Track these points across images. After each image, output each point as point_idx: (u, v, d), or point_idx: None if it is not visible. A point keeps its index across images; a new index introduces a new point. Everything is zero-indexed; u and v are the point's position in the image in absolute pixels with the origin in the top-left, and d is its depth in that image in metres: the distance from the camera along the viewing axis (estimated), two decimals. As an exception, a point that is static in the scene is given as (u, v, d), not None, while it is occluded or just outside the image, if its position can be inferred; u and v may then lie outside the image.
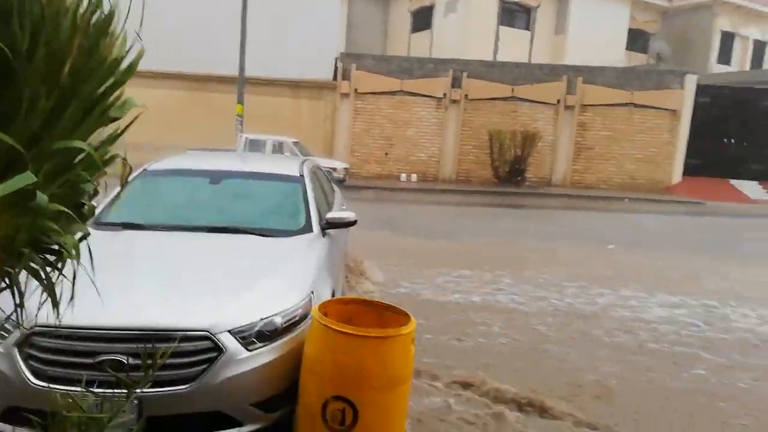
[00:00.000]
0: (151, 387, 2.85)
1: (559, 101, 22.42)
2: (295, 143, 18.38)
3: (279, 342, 3.22)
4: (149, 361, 2.46)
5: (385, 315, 3.40)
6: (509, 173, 21.60)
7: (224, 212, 4.57)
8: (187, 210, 4.52)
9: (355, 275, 6.90)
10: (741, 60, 31.58)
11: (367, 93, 21.76)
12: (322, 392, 3.04)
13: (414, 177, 21.85)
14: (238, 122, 19.14)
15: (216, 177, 4.93)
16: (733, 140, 23.72)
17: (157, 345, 2.74)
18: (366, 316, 3.41)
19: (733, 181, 23.35)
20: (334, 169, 17.58)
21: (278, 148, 17.79)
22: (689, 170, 23.24)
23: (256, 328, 3.18)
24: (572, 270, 8.50)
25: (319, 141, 21.53)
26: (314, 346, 3.09)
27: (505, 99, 22.49)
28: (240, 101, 18.67)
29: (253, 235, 4.24)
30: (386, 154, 22.20)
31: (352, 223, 4.73)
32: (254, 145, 18.21)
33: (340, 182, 15.96)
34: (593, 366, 4.95)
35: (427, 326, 5.51)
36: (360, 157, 22.24)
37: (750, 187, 22.82)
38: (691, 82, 22.47)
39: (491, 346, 5.30)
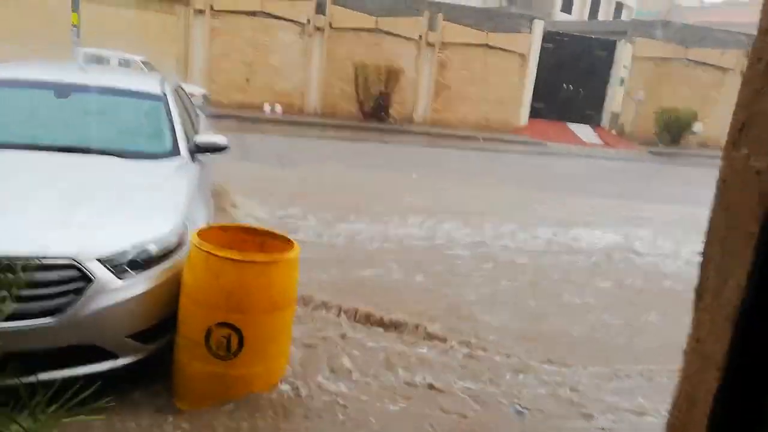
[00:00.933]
0: (10, 320, 2.48)
1: (420, 37, 21.46)
2: (145, 63, 16.33)
3: (154, 271, 2.95)
4: (4, 292, 2.11)
5: (267, 242, 3.19)
6: (374, 109, 20.60)
7: (78, 131, 4.04)
8: (33, 127, 3.95)
9: (226, 206, 6.15)
10: (581, 10, 29.47)
11: (225, 11, 19.66)
12: (206, 320, 2.85)
13: (279, 108, 20.24)
14: (74, 34, 16.39)
15: (63, 90, 4.27)
16: (571, 86, 23.97)
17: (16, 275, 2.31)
18: (246, 244, 3.18)
19: (570, 125, 23.63)
20: (192, 95, 14.75)
21: (125, 68, 15.92)
22: (534, 113, 23.42)
23: (129, 256, 2.89)
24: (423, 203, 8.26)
25: (171, 62, 19.07)
26: (195, 273, 2.87)
27: (369, 30, 21.03)
28: (75, 9, 16.00)
29: (114, 157, 3.79)
30: (247, 80, 20.29)
31: (224, 148, 4.31)
32: (95, 63, 15.72)
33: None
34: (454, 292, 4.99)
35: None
36: (219, 83, 20.11)
37: (584, 131, 23.42)
38: (538, 27, 22.35)
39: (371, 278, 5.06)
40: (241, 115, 18.32)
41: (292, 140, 15.32)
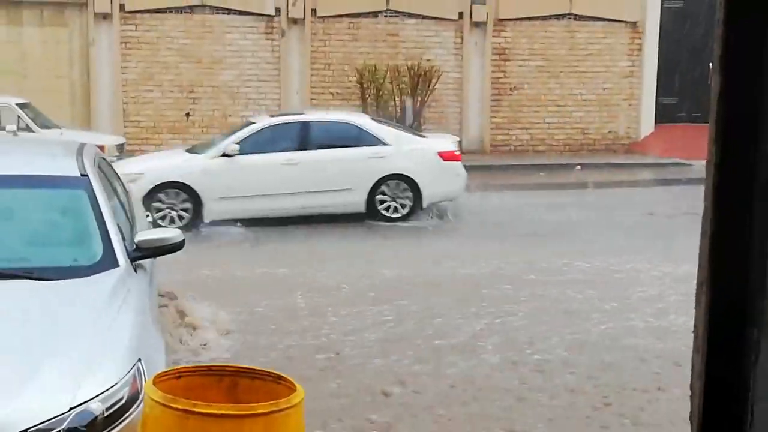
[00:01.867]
0: None
1: (461, 15, 21.65)
2: (23, 106, 16.76)
3: None
4: None
5: (243, 385, 3.51)
6: None
7: None
8: None
9: (176, 324, 6.63)
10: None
11: (142, 11, 20.26)
12: None
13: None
14: None
15: None
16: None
17: None
18: (211, 393, 3.45)
19: None
20: (101, 149, 15.51)
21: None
22: (663, 114, 22.93)
23: (66, 423, 3.22)
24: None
25: (65, 100, 19.75)
26: None
27: (376, 14, 21.37)
28: None
29: (23, 279, 4.20)
30: (187, 115, 20.68)
31: (178, 246, 4.78)
32: None
33: None
34: None
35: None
36: (142, 123, 20.58)
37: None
38: None
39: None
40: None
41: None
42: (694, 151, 19.99)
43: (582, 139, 22.46)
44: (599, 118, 22.52)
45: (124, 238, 4.77)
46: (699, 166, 18.95)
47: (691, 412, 1.06)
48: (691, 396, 1.07)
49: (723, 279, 1.01)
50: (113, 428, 3.35)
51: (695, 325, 1.07)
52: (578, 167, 19.82)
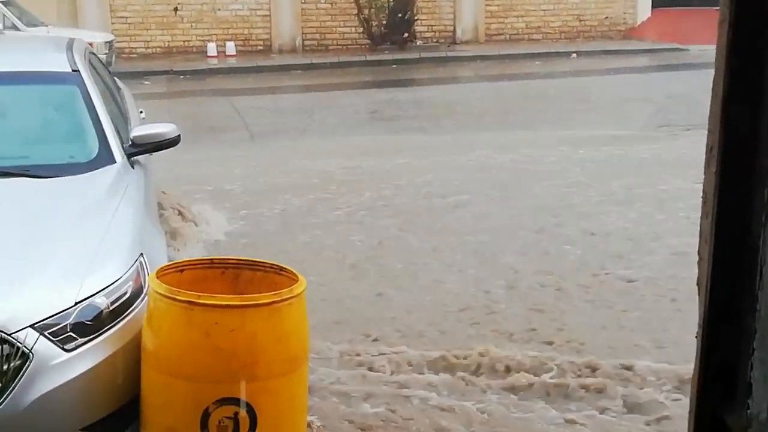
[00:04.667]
0: None
1: None
2: (7, 4, 16.52)
3: (109, 332, 3.34)
4: None
5: (245, 277, 3.62)
6: (389, 28, 20.54)
7: None
8: None
9: (175, 220, 6.57)
10: None
11: None
12: (197, 399, 3.19)
13: (231, 46, 20.14)
14: None
15: None
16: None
17: None
18: (215, 284, 3.56)
19: None
20: (91, 46, 14.11)
21: None
22: None
23: (72, 318, 3.27)
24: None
25: None
26: (168, 335, 3.22)
27: None
28: None
29: (24, 178, 4.21)
30: (175, 9, 20.33)
31: (174, 141, 4.73)
32: None
33: None
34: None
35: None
36: (129, 20, 20.24)
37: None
38: None
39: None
40: (172, 69, 18.16)
41: (263, 99, 15.16)
42: (691, 36, 20.30)
43: (578, 25, 22.23)
44: (595, 3, 22.22)
45: (119, 134, 4.73)
46: (695, 51, 19.16)
47: (698, 277, 1.06)
48: (698, 261, 1.06)
49: (734, 142, 1.00)
50: (119, 322, 3.37)
51: (704, 189, 1.06)
52: (574, 55, 19.66)
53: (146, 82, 16.65)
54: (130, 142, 4.65)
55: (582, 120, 12.13)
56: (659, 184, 8.17)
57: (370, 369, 4.54)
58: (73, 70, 4.88)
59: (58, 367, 3.16)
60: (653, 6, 22.45)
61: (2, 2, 16.09)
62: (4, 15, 15.81)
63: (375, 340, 4.93)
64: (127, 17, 19.91)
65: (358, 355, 4.67)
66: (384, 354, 4.66)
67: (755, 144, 0.97)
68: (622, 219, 7.17)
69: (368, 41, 20.48)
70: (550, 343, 4.81)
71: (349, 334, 5.01)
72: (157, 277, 3.38)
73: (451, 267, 6.14)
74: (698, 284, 1.05)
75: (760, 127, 0.96)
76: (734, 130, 0.98)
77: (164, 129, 4.73)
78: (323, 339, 4.70)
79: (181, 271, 3.59)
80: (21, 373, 3.10)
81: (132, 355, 3.32)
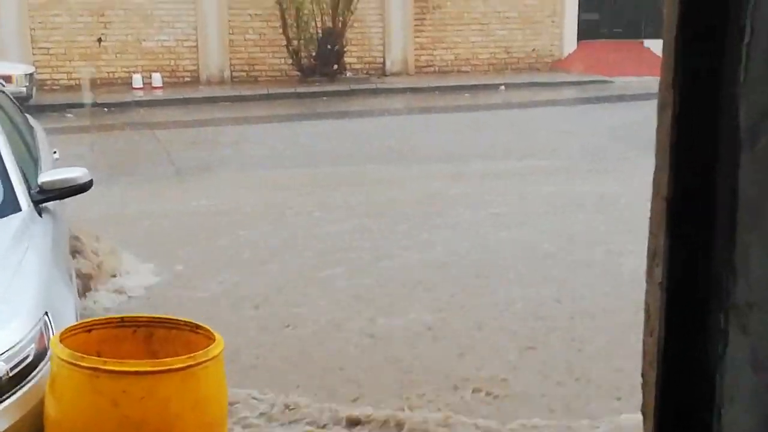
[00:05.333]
0: None
1: None
2: None
3: (8, 402, 3.17)
4: None
5: (159, 335, 3.47)
6: (318, 60, 20.73)
7: None
8: None
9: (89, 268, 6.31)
10: None
11: None
12: None
13: (157, 78, 20.12)
14: None
15: None
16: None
17: None
18: (126, 345, 3.44)
19: (648, 43, 22.88)
20: (8, 79, 15.71)
21: None
22: (586, 31, 23.14)
23: None
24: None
25: None
26: (72, 404, 3.08)
27: None
28: None
29: None
30: (99, 40, 20.21)
31: (85, 186, 4.58)
32: None
33: (21, 101, 13.32)
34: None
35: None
36: (51, 51, 20.02)
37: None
38: None
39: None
40: (95, 101, 17.81)
41: (189, 132, 15.01)
42: (615, 68, 20.87)
43: (506, 57, 22.52)
44: (522, 35, 22.51)
45: (27, 180, 4.54)
46: (620, 83, 19.70)
47: (643, 403, 0.90)
48: (642, 385, 0.91)
49: (681, 251, 0.84)
50: (20, 389, 3.20)
51: (646, 302, 0.91)
52: (502, 87, 19.82)
53: (69, 115, 16.32)
54: (38, 188, 4.45)
55: (511, 151, 12.20)
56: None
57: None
58: None
59: None
60: (579, 38, 22.80)
61: None
62: None
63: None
64: (49, 48, 19.61)
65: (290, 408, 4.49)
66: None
67: (708, 253, 0.82)
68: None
69: (298, 73, 20.46)
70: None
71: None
72: (63, 339, 3.22)
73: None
74: (643, 412, 0.90)
75: (714, 231, 0.82)
76: (681, 238, 0.84)
77: (74, 174, 4.55)
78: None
79: (89, 331, 3.45)
80: None
81: (34, 425, 3.16)
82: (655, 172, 0.90)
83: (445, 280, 6.57)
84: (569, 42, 22.73)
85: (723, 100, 0.82)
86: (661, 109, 0.90)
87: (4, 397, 3.13)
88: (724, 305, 0.78)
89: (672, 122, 0.84)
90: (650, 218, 0.90)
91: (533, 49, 22.65)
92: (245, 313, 5.96)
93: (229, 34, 20.56)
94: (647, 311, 0.89)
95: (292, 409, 4.42)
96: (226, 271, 6.83)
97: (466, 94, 18.94)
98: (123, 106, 17.60)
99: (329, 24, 20.09)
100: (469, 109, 17.16)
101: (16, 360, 3.21)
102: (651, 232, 0.89)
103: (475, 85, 19.89)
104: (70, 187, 4.50)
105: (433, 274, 6.73)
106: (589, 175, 10.42)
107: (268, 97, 18.66)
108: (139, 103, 18.00)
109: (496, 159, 11.67)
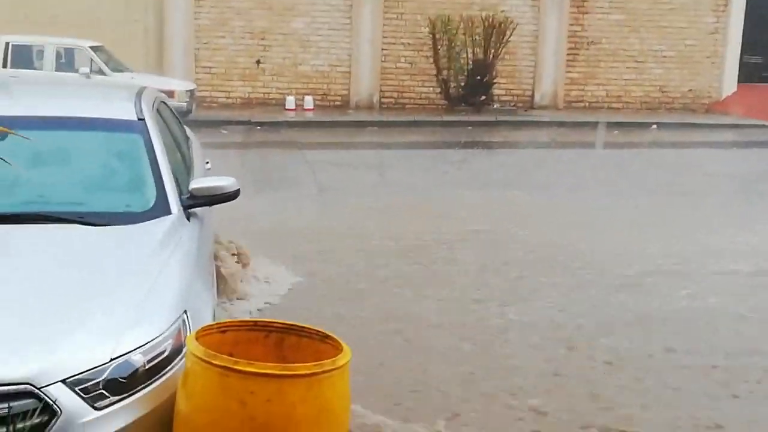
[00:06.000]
0: None
1: None
2: (96, 49, 17.22)
3: (143, 392, 3.28)
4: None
5: (288, 342, 3.57)
6: (467, 90, 20.58)
7: (18, 188, 4.57)
8: None
9: (231, 273, 6.53)
10: None
11: None
12: None
13: (309, 101, 20.50)
14: None
15: None
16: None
17: None
18: (256, 348, 3.52)
19: None
20: (171, 94, 16.19)
21: (66, 61, 17.21)
22: (747, 74, 22.43)
23: (106, 374, 3.23)
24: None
25: (137, 45, 19.83)
26: (202, 399, 3.17)
27: None
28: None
29: (73, 224, 4.22)
30: (258, 62, 20.79)
31: (232, 195, 4.73)
32: (21, 56, 17.10)
33: (181, 115, 14.13)
34: None
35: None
36: (213, 70, 20.76)
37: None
38: None
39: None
40: (250, 119, 18.59)
41: (335, 154, 15.43)
42: None
43: (660, 96, 22.05)
44: (679, 75, 22.03)
45: (179, 186, 4.70)
46: None
47: None
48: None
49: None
50: (154, 381, 3.30)
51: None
52: (654, 126, 19.37)
53: (224, 131, 17.06)
54: (189, 194, 4.62)
55: (663, 192, 11.84)
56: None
57: None
58: (138, 119, 4.90)
59: (87, 426, 3.09)
60: (739, 81, 22.17)
61: (91, 47, 16.74)
62: (92, 59, 16.44)
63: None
64: (211, 67, 20.45)
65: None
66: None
67: None
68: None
69: (445, 102, 20.56)
70: None
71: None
72: (198, 338, 3.31)
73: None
74: None
75: None
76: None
77: (223, 182, 4.69)
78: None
79: (224, 332, 3.53)
80: (47, 430, 3.03)
81: (165, 417, 3.24)
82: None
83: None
84: (729, 84, 22.10)
85: None
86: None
87: (139, 388, 3.23)
88: None
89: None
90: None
91: (690, 90, 22.16)
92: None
93: (382, 61, 20.93)
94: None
95: None
96: (354, 287, 6.95)
97: (616, 131, 18.57)
98: (275, 125, 18.19)
99: (480, 55, 20.16)
100: (619, 146, 16.81)
101: (153, 353, 3.30)
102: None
103: (627, 123, 19.50)
104: (219, 194, 4.63)
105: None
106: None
107: (415, 124, 18.88)
108: (290, 124, 18.55)
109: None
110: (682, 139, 17.83)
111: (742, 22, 21.78)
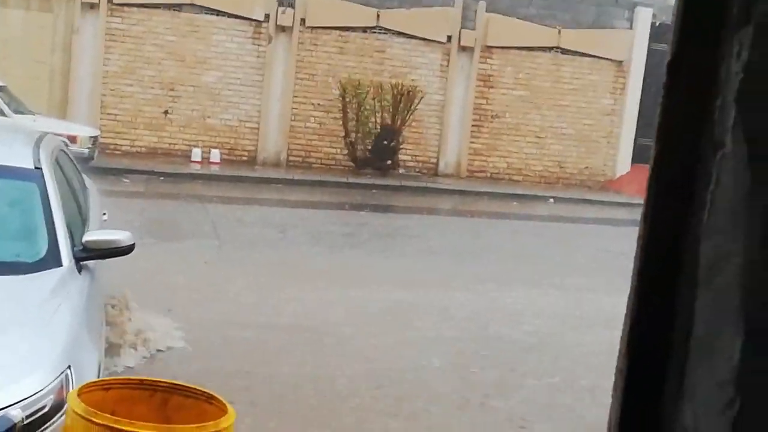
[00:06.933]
0: None
1: (450, 38, 21.82)
2: None
3: None
4: None
5: (173, 402, 3.46)
6: (373, 154, 20.90)
7: None
8: None
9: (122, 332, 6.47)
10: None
11: (131, 4, 20.29)
12: None
13: (216, 154, 20.48)
14: None
15: None
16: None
17: None
18: (140, 408, 3.41)
19: None
20: (74, 139, 16.18)
21: None
22: (641, 155, 22.74)
23: None
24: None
25: (43, 87, 19.65)
26: None
27: (366, 30, 21.45)
28: None
29: None
30: (165, 112, 20.67)
31: (127, 250, 4.69)
32: None
33: (83, 161, 14.24)
34: None
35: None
36: (118, 117, 20.56)
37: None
38: (644, 19, 22.49)
39: None
40: (153, 170, 18.30)
41: (238, 210, 15.23)
42: None
43: (558, 172, 22.55)
44: (577, 152, 22.59)
45: (72, 237, 4.65)
46: None
47: None
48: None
49: (640, 378, 0.89)
50: None
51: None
52: (551, 200, 19.91)
53: (126, 180, 16.72)
54: (82, 246, 4.55)
55: (556, 269, 12.10)
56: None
57: None
58: (35, 168, 4.82)
59: None
60: (633, 161, 22.74)
61: (-6, 88, 16.30)
62: (-6, 99, 15.98)
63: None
64: (116, 114, 20.14)
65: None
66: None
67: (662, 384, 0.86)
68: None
69: (352, 164, 20.67)
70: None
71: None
72: (81, 394, 3.24)
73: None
74: None
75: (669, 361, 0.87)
76: (640, 365, 0.88)
77: (117, 236, 4.63)
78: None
79: (107, 389, 3.46)
80: None
81: None
82: (629, 295, 0.96)
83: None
84: (623, 164, 22.71)
85: (688, 238, 0.88)
86: (638, 239, 0.97)
87: None
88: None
89: (640, 252, 0.90)
90: (620, 341, 0.95)
91: (586, 167, 22.68)
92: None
93: (291, 120, 20.96)
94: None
95: None
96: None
97: (514, 203, 19.02)
98: (179, 177, 17.99)
99: (388, 121, 20.38)
100: (516, 218, 17.16)
101: (33, 408, 3.25)
102: (619, 353, 0.94)
103: (525, 195, 19.95)
104: (112, 248, 4.59)
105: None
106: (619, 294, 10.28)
107: (321, 184, 18.92)
108: (194, 176, 18.36)
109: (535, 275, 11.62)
110: (575, 215, 18.35)
111: (638, 105, 22.43)
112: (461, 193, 19.75)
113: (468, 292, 9.67)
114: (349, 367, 6.74)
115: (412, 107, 20.48)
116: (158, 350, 6.42)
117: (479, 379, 6.86)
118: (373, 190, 18.83)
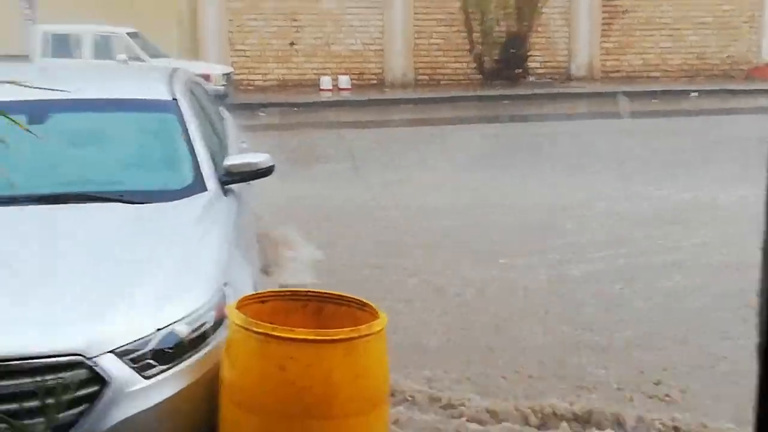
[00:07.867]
0: None
1: None
2: (133, 35, 17.45)
3: (188, 361, 3.36)
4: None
5: (327, 310, 3.61)
6: (501, 64, 20.62)
7: (61, 170, 4.66)
8: None
9: (271, 252, 6.55)
10: None
11: None
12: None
13: (345, 80, 20.54)
14: (26, 5, 18.21)
15: (37, 111, 4.69)
16: None
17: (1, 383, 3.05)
18: (295, 316, 3.57)
19: None
20: (207, 78, 15.95)
21: (104, 48, 17.38)
22: None
23: (152, 344, 3.29)
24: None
25: (172, 30, 19.97)
26: (243, 365, 3.24)
27: None
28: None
29: (114, 203, 4.32)
30: (291, 44, 20.94)
31: (267, 171, 4.78)
32: (61, 45, 17.30)
33: (219, 99, 13.90)
34: None
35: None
36: (247, 53, 20.91)
37: None
38: None
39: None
40: (286, 101, 18.63)
41: (371, 133, 15.31)
42: None
43: (698, 64, 21.86)
44: (717, 41, 21.80)
45: (214, 163, 4.75)
46: None
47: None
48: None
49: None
50: (198, 351, 3.36)
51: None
52: (694, 94, 19.17)
53: (261, 114, 17.13)
54: (224, 171, 4.69)
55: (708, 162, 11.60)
56: None
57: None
58: (172, 99, 4.96)
59: (136, 395, 3.16)
60: (780, 44, 22.02)
61: (128, 34, 16.89)
62: (129, 46, 16.59)
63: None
64: (245, 50, 20.58)
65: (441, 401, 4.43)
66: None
67: None
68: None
69: (480, 76, 20.52)
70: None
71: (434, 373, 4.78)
72: (238, 308, 3.37)
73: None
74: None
75: None
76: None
77: (257, 158, 4.75)
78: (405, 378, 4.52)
79: (263, 302, 3.59)
80: (98, 399, 3.11)
81: (210, 385, 3.31)
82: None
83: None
84: (768, 48, 21.99)
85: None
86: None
87: (184, 357, 3.29)
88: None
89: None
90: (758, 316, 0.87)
91: (728, 56, 21.93)
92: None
93: (415, 38, 20.92)
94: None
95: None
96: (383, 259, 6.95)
97: (654, 100, 18.38)
98: (312, 106, 18.26)
99: (513, 28, 20.13)
100: (651, 114, 16.59)
101: (197, 324, 3.37)
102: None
103: (665, 91, 19.33)
104: (253, 170, 4.68)
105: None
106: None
107: (451, 100, 18.79)
108: (326, 104, 18.61)
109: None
110: (722, 106, 17.54)
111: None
112: (596, 95, 19.17)
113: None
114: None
115: (537, 11, 20.12)
116: (306, 263, 6.60)
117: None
118: (504, 101, 18.55)
